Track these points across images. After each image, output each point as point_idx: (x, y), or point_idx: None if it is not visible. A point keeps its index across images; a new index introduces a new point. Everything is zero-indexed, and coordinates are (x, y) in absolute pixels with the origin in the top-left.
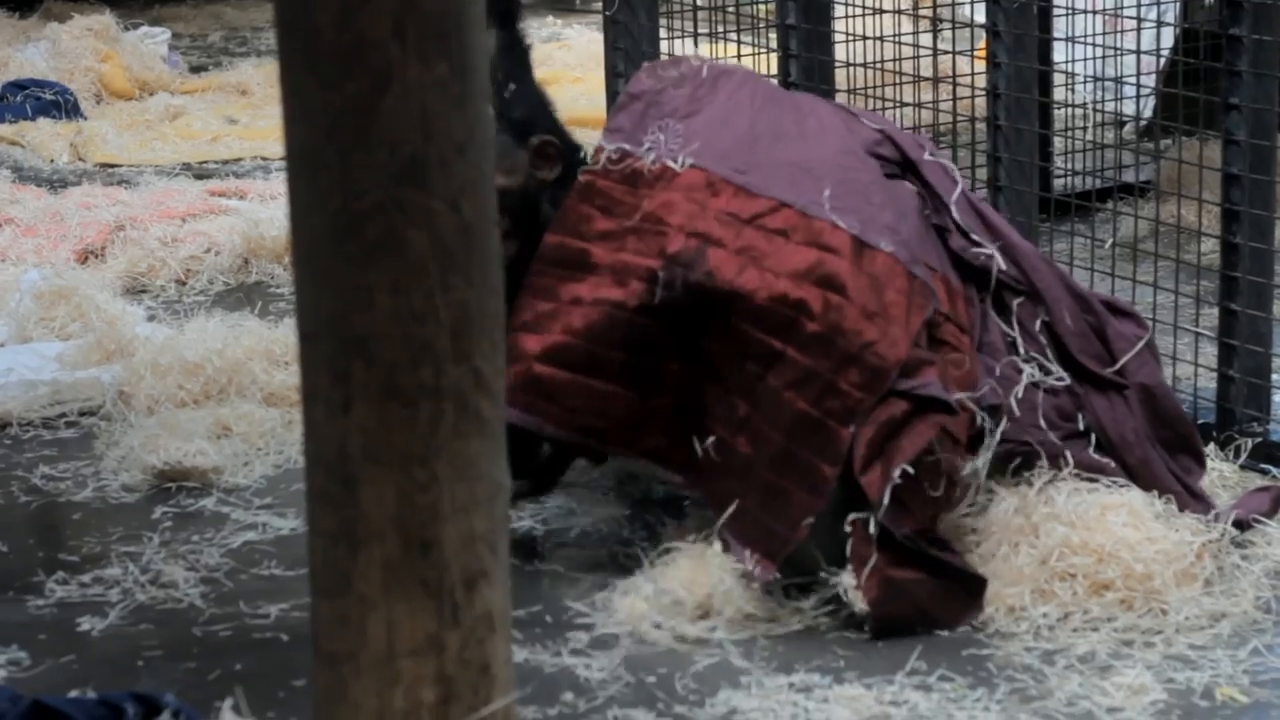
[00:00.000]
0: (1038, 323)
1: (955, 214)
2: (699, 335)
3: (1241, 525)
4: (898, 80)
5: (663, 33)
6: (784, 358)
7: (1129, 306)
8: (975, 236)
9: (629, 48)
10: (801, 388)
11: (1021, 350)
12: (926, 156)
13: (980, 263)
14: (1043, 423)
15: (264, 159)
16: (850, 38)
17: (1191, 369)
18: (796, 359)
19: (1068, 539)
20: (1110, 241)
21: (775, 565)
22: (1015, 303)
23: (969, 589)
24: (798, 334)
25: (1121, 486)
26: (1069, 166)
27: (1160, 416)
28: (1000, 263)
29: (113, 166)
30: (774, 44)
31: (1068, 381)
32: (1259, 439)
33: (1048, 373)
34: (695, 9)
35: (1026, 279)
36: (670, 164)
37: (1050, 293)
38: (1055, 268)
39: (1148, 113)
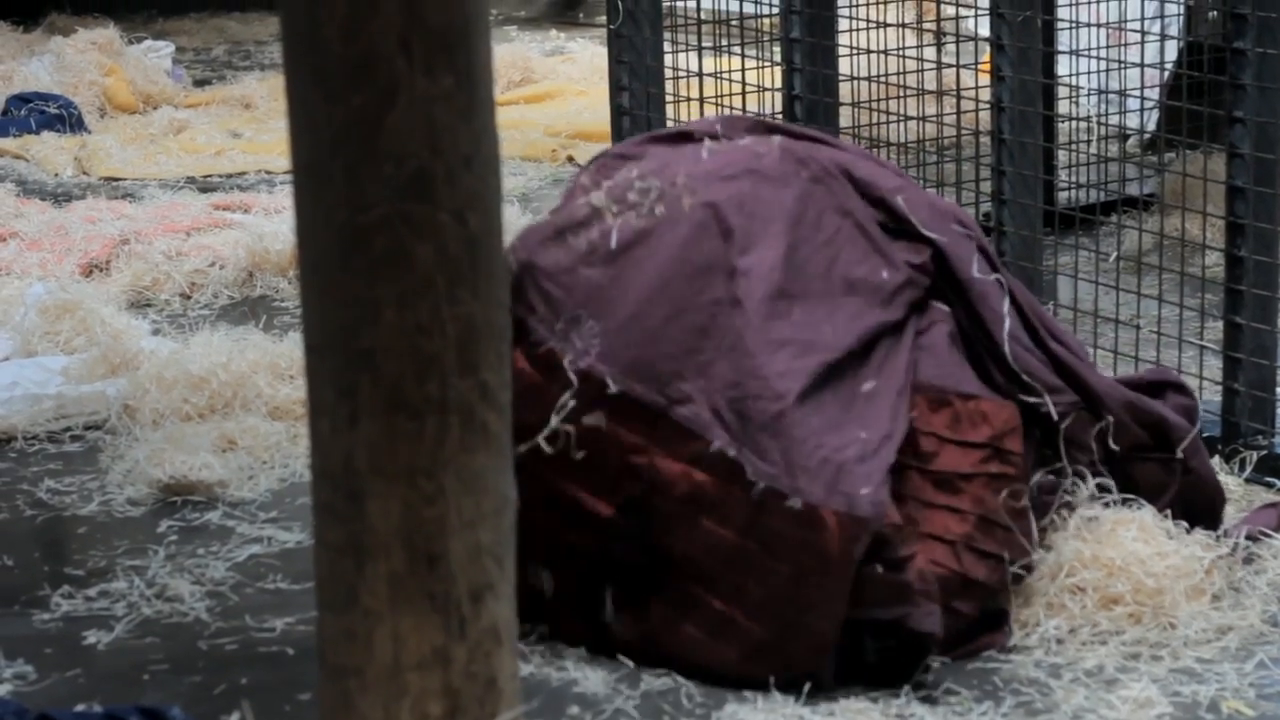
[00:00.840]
0: (1092, 432)
1: (1008, 355)
2: (645, 591)
3: (1250, 540)
4: (902, 94)
5: (667, 46)
6: (734, 624)
7: (1173, 376)
8: (1026, 378)
9: (633, 61)
10: (754, 660)
11: (1066, 468)
12: (976, 274)
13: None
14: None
15: (268, 172)
16: (854, 51)
17: (1196, 382)
18: (745, 627)
19: (1079, 553)
20: (1114, 255)
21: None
22: (1064, 426)
23: (990, 625)
24: (746, 599)
25: (1132, 503)
26: (1073, 180)
27: (1198, 488)
28: (1053, 412)
29: (117, 180)
30: (778, 57)
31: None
32: (1264, 452)
33: (1104, 489)
34: (699, 23)
35: (1083, 398)
36: (600, 379)
37: (1107, 400)
38: (1106, 378)
39: (1152, 126)
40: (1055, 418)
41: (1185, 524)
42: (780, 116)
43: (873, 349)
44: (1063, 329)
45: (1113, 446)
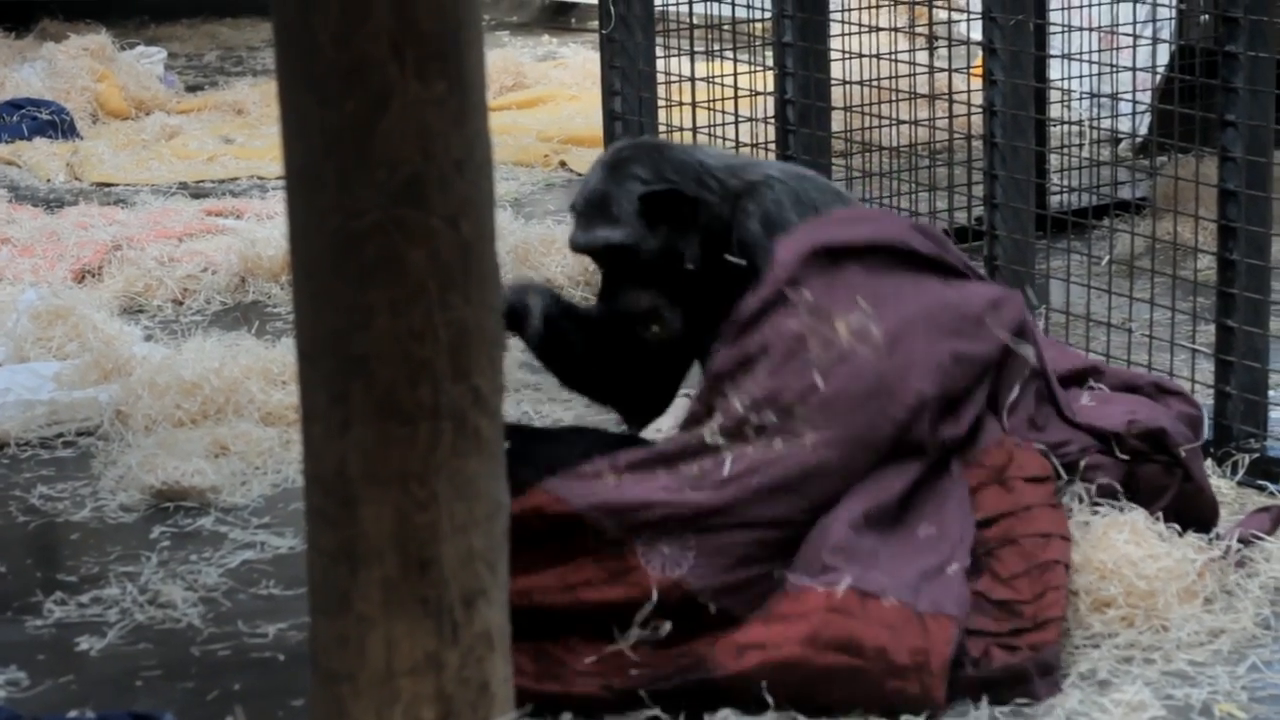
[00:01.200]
0: (1106, 470)
1: (1004, 426)
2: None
3: (1243, 542)
4: (894, 98)
5: (659, 51)
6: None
7: (1177, 385)
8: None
9: (625, 66)
10: None
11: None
12: (1011, 342)
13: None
14: None
15: (260, 178)
16: (847, 55)
17: (1188, 385)
18: None
19: (1070, 557)
20: (1107, 258)
21: None
22: (1082, 463)
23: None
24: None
25: (1124, 506)
26: (1065, 184)
27: (1194, 499)
28: (1060, 471)
29: (109, 186)
30: (770, 62)
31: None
32: (1256, 455)
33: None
34: (692, 27)
35: (1094, 436)
36: (692, 594)
37: (1108, 428)
38: (1115, 403)
39: (1144, 130)
40: (1063, 476)
41: (1177, 527)
42: (773, 121)
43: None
44: (1069, 359)
45: (1120, 457)
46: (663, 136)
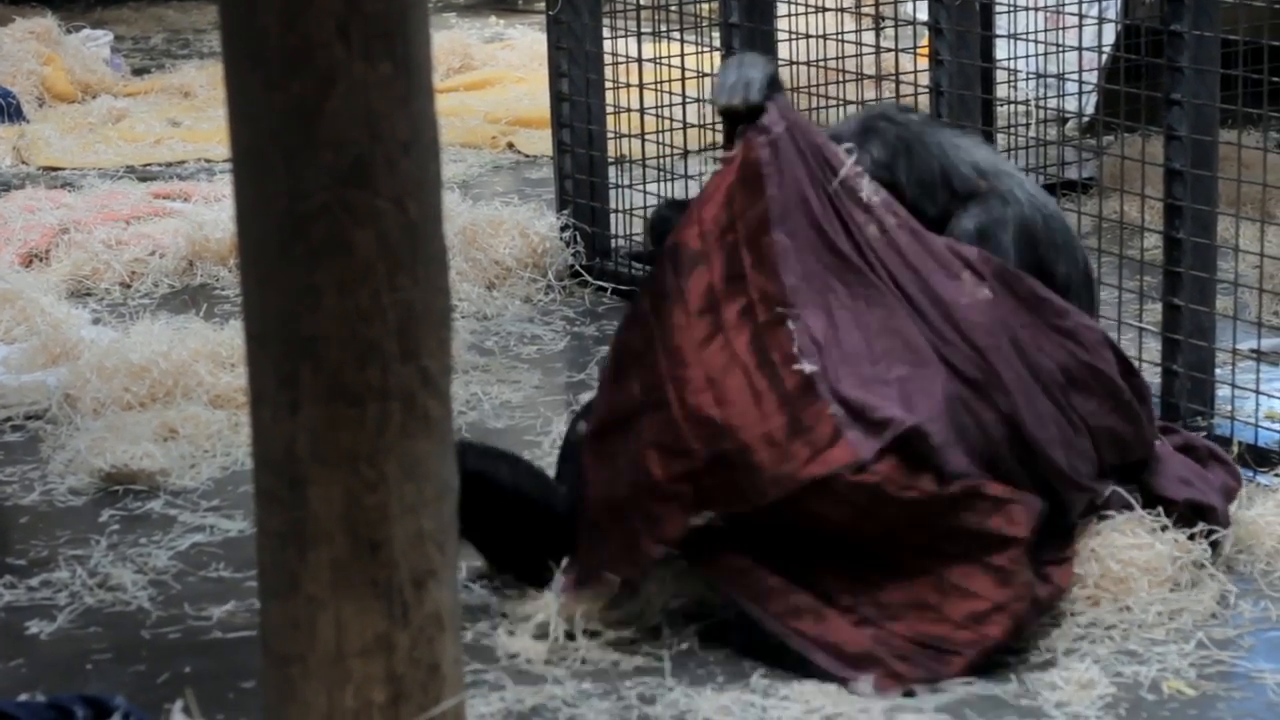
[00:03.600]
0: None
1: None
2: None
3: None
4: (841, 78)
5: (606, 32)
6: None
7: (1225, 456)
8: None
9: (572, 47)
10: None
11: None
12: None
13: None
14: None
15: (208, 161)
16: (793, 36)
17: (1135, 364)
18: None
19: None
20: None
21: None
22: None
23: None
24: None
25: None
26: (1012, 163)
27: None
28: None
29: (56, 169)
30: (718, 42)
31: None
32: (1203, 433)
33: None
34: (639, 8)
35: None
36: None
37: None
38: (1170, 461)
39: (1090, 109)
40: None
41: (1167, 521)
42: None
43: None
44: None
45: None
46: (610, 116)
